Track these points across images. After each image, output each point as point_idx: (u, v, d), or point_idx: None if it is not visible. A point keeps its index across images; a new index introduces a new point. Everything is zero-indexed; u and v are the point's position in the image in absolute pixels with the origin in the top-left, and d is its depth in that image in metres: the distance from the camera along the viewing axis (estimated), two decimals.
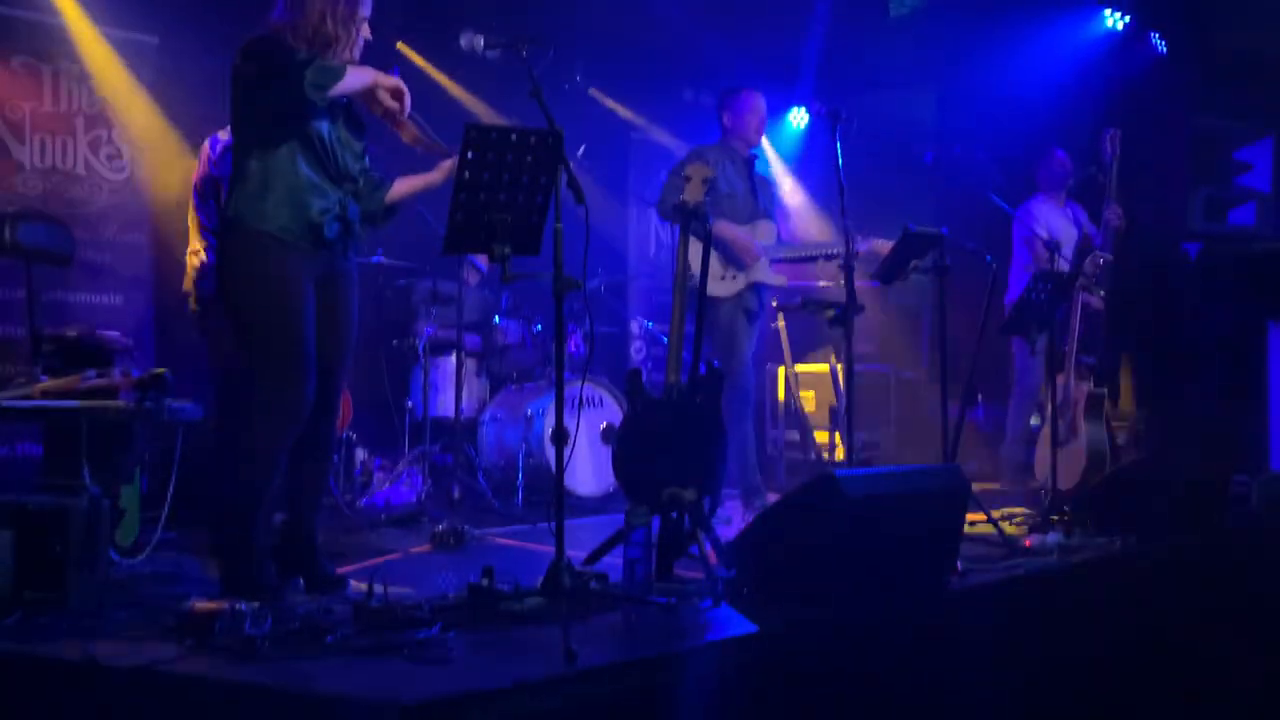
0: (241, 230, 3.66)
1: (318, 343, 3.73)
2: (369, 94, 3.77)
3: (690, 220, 4.47)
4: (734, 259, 5.69)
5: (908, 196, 8.12)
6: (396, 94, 3.76)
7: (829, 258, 5.77)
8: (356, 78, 3.69)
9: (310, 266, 3.72)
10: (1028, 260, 6.83)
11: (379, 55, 3.92)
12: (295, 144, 3.67)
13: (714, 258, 5.52)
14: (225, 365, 4.92)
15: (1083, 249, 6.80)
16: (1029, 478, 6.77)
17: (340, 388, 3.93)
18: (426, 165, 4.05)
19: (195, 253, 5.19)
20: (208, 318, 5.10)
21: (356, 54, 3.84)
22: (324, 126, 3.73)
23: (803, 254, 6.06)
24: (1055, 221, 6.88)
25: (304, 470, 3.87)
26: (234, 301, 3.72)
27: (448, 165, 3.89)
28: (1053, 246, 6.36)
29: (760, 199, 5.93)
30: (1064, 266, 6.30)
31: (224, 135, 5.00)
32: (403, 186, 4.03)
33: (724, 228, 5.61)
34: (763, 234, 5.82)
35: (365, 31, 3.84)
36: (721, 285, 5.67)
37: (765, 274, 5.79)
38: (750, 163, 5.97)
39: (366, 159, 3.97)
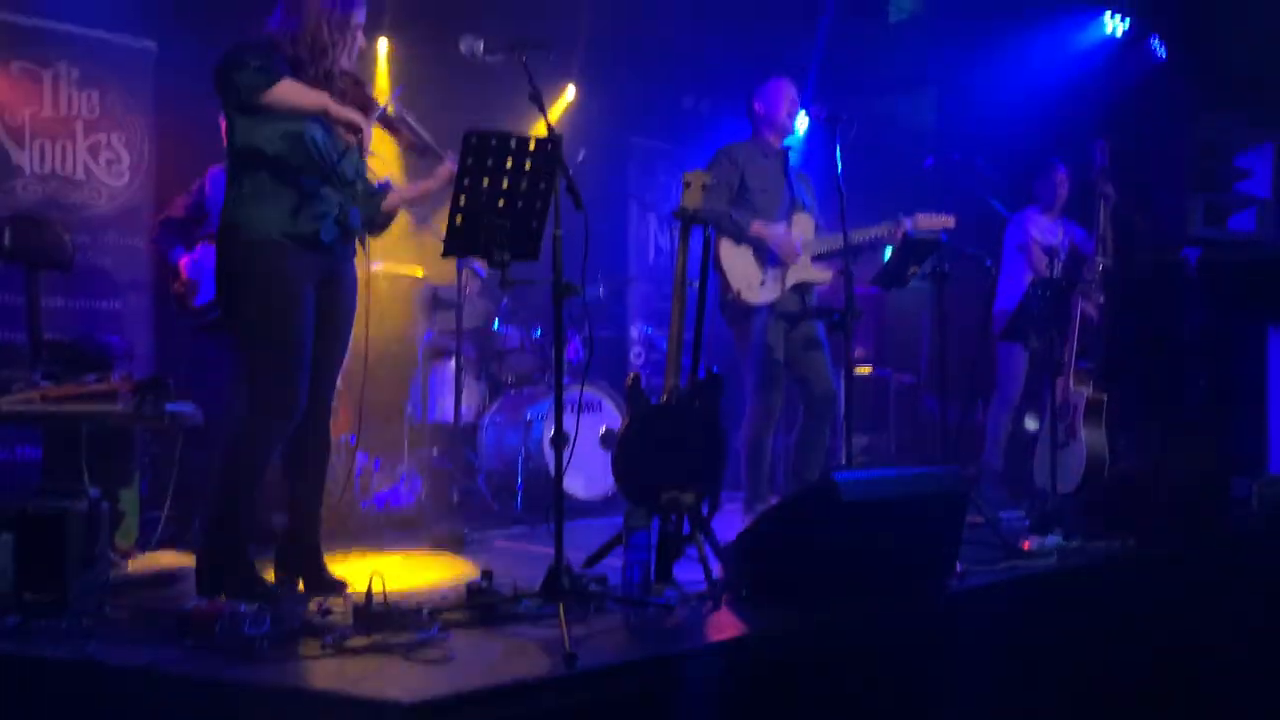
0: (239, 236, 3.67)
1: (314, 344, 3.74)
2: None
3: (690, 226, 4.41)
4: (774, 259, 5.42)
5: (907, 201, 8.11)
6: (351, 128, 3.71)
7: (874, 246, 5.47)
8: (302, 97, 3.64)
9: (309, 268, 3.74)
10: (1020, 268, 6.79)
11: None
12: (287, 151, 3.67)
13: (752, 262, 5.43)
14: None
15: (1076, 260, 6.78)
16: (1006, 485, 6.77)
17: (333, 388, 3.97)
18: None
19: None
20: None
21: (352, 59, 3.85)
22: (318, 134, 3.73)
23: (842, 246, 5.18)
24: (1050, 233, 6.86)
25: (302, 472, 3.90)
26: (233, 302, 3.74)
27: (444, 172, 3.90)
28: (1051, 252, 6.34)
29: (798, 192, 5.66)
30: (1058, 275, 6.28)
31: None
32: (399, 195, 4.05)
33: (760, 228, 5.40)
34: (800, 228, 5.53)
35: (360, 39, 3.85)
36: (761, 292, 5.42)
37: (808, 272, 5.49)
38: (784, 156, 5.73)
39: (364, 166, 3.97)
